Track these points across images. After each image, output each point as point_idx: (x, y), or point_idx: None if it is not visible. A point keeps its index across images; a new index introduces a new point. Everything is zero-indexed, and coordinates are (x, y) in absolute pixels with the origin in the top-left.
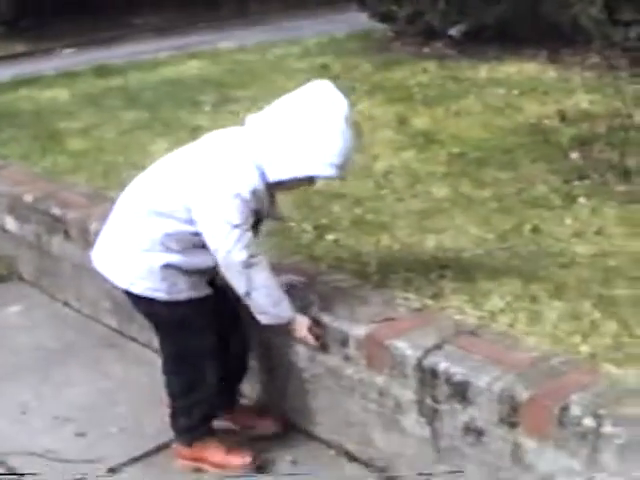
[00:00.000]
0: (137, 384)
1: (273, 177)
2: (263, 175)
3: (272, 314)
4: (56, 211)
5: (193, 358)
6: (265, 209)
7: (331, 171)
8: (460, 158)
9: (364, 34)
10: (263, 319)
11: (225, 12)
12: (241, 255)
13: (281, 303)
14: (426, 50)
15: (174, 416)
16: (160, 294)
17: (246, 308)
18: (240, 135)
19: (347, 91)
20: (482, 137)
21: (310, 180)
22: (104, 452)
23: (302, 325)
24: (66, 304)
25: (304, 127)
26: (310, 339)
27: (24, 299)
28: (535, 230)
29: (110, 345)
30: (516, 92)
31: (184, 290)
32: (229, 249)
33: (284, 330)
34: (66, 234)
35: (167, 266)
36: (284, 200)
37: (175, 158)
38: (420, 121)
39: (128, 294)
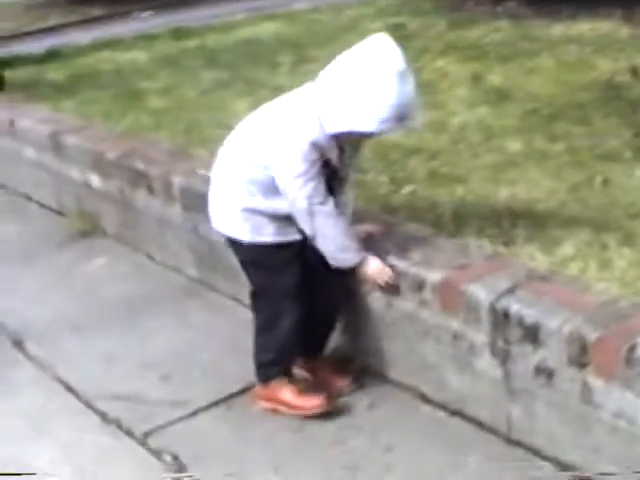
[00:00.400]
0: (219, 332)
1: (328, 130)
2: (323, 127)
3: (339, 259)
4: (140, 166)
5: (272, 297)
6: (335, 159)
7: (379, 126)
8: (533, 113)
9: None
10: (332, 262)
11: None
12: (303, 203)
13: (347, 249)
14: (499, 9)
15: (255, 352)
16: (243, 235)
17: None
18: (307, 91)
19: (421, 50)
20: (555, 93)
21: (369, 134)
22: (187, 396)
23: (372, 268)
24: (149, 256)
25: (355, 82)
26: (380, 281)
27: (108, 252)
28: (606, 182)
29: (192, 295)
30: (589, 50)
31: (270, 234)
32: (293, 197)
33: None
34: (149, 189)
35: (248, 209)
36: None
37: (256, 115)
38: (494, 78)
39: (224, 235)
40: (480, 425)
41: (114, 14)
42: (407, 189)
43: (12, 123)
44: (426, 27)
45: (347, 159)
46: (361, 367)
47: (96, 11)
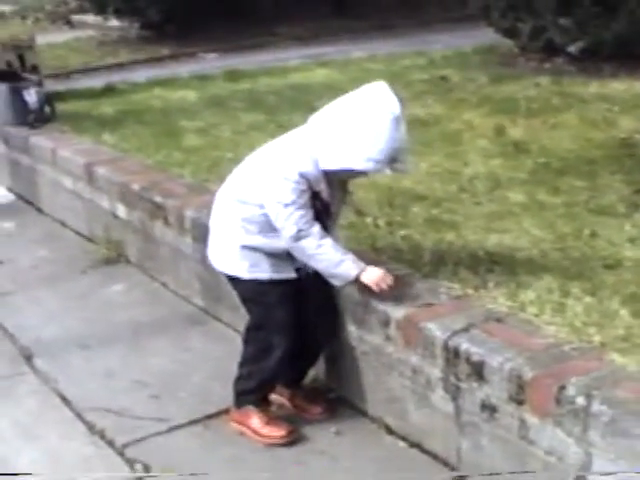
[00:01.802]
0: (214, 358)
1: (322, 166)
2: (317, 163)
3: (337, 276)
4: (158, 199)
5: (266, 331)
6: (326, 193)
7: (370, 166)
8: (544, 167)
9: (489, 48)
10: (335, 282)
11: (367, 25)
12: (291, 230)
13: (342, 263)
14: (547, 66)
15: (237, 379)
16: (241, 272)
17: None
18: (303, 130)
19: (457, 102)
20: (570, 148)
21: (360, 172)
22: (170, 413)
23: (372, 276)
24: (164, 285)
25: (351, 123)
26: (383, 286)
27: (127, 279)
28: (593, 234)
29: (196, 322)
30: (617, 108)
31: (266, 271)
32: (282, 225)
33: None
34: (165, 220)
35: (246, 247)
36: (367, 199)
37: (257, 153)
38: (516, 132)
39: (226, 276)
40: (435, 457)
41: (180, 54)
42: (401, 233)
43: (54, 152)
44: (468, 80)
45: (338, 196)
46: (335, 397)
47: (164, 50)
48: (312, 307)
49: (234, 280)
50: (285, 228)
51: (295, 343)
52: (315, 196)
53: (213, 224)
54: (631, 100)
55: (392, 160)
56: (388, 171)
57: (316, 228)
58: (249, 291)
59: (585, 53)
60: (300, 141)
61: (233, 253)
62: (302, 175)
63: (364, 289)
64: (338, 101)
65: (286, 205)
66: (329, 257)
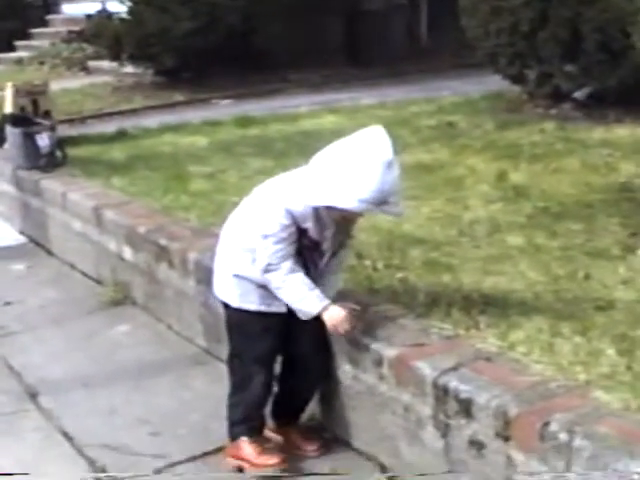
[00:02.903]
0: (214, 397)
1: (309, 203)
2: (305, 200)
3: (300, 309)
4: (163, 242)
5: (245, 361)
6: (317, 232)
7: (356, 205)
8: (542, 211)
9: (497, 95)
10: (299, 314)
11: (378, 72)
12: (262, 262)
13: (303, 300)
14: (553, 111)
15: (228, 410)
16: (232, 300)
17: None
18: (299, 170)
19: (462, 147)
20: (569, 193)
21: (349, 211)
22: (170, 450)
23: (332, 316)
24: (168, 326)
25: (342, 163)
26: (340, 329)
27: (133, 320)
28: (587, 277)
29: (198, 363)
30: (619, 154)
31: (254, 302)
32: (254, 256)
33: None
34: (170, 263)
35: (237, 276)
36: (367, 242)
37: (256, 190)
38: (517, 176)
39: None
40: None
41: (194, 100)
42: (398, 275)
43: (64, 196)
44: (475, 126)
45: (331, 235)
46: (330, 436)
47: (178, 96)
48: (305, 343)
49: (225, 306)
50: (257, 260)
51: (290, 381)
52: (302, 233)
53: (217, 254)
54: (633, 145)
55: (382, 202)
56: (377, 212)
57: (287, 264)
58: (236, 319)
59: (591, 99)
60: (292, 178)
61: (226, 280)
62: (288, 211)
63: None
64: (335, 144)
65: (265, 237)
66: (292, 292)
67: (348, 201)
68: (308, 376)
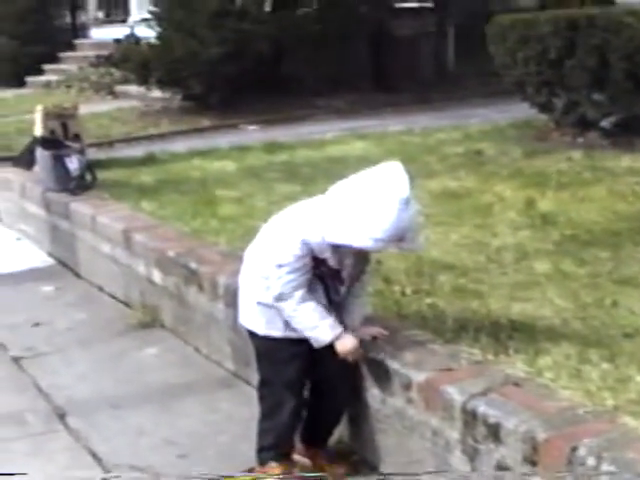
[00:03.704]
0: (241, 419)
1: (327, 239)
2: (322, 234)
3: (312, 337)
4: (193, 265)
5: (276, 388)
6: (334, 261)
7: (371, 244)
8: (570, 239)
9: (525, 123)
10: (312, 342)
11: (406, 99)
12: (274, 290)
13: (315, 329)
14: (580, 140)
15: (257, 436)
16: (259, 328)
17: None
18: (317, 200)
19: (489, 175)
20: (596, 220)
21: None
22: (198, 471)
23: (345, 344)
24: (196, 349)
25: (358, 201)
26: (350, 357)
27: (161, 343)
28: (614, 304)
29: (226, 386)
30: None
31: (280, 329)
32: (269, 285)
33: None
34: (199, 286)
35: (261, 303)
36: (395, 268)
37: (274, 219)
38: (545, 204)
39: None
40: None
41: (221, 125)
42: (427, 301)
43: (93, 219)
44: (502, 154)
45: (351, 264)
46: (358, 458)
47: (205, 121)
48: (330, 366)
49: (252, 335)
50: (270, 287)
51: (316, 404)
52: (322, 262)
53: (242, 292)
54: None
55: (398, 239)
56: (393, 249)
57: (299, 293)
58: (263, 347)
59: (617, 128)
60: (311, 210)
61: (252, 309)
62: (304, 243)
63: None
64: (354, 177)
65: (279, 266)
66: (304, 321)
67: (363, 240)
68: (335, 399)
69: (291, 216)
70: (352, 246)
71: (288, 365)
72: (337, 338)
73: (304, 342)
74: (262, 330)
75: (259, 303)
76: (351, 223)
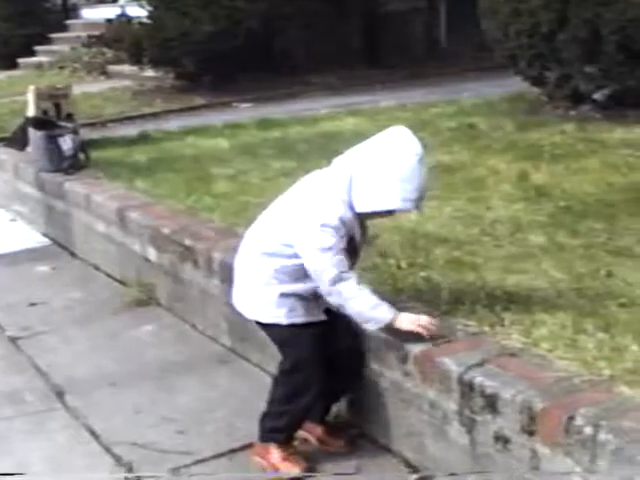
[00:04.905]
0: (239, 395)
1: (359, 209)
2: (351, 207)
3: (373, 319)
4: (187, 242)
5: (302, 373)
6: (358, 235)
7: (408, 205)
8: (564, 211)
9: (517, 97)
10: (369, 327)
11: (398, 74)
12: (330, 273)
13: (377, 307)
14: (572, 113)
15: (264, 417)
16: (280, 319)
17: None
18: (329, 175)
19: (483, 148)
20: (590, 192)
21: (390, 212)
22: (197, 447)
23: (406, 321)
24: (193, 326)
25: (382, 166)
26: (418, 330)
27: (157, 320)
28: (609, 275)
29: (223, 362)
30: (639, 153)
31: (302, 315)
32: (321, 270)
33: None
34: (194, 263)
35: (283, 295)
36: (390, 241)
37: (278, 202)
38: (539, 177)
39: (257, 323)
40: None
41: (214, 104)
42: (422, 274)
43: (88, 198)
44: (495, 127)
45: (361, 235)
46: (357, 432)
47: (199, 100)
48: (341, 347)
49: (270, 327)
50: (326, 271)
51: (324, 386)
52: (350, 239)
53: (240, 275)
54: None
55: (420, 198)
56: (414, 210)
57: (354, 272)
58: (286, 335)
59: (610, 100)
60: (330, 186)
61: (271, 302)
62: (341, 220)
63: (395, 332)
64: (363, 145)
65: (324, 250)
66: (365, 301)
67: (398, 202)
68: (342, 376)
69: (309, 199)
70: (389, 210)
71: (312, 349)
72: (397, 315)
73: (320, 325)
74: (286, 320)
75: (281, 294)
76: (381, 189)
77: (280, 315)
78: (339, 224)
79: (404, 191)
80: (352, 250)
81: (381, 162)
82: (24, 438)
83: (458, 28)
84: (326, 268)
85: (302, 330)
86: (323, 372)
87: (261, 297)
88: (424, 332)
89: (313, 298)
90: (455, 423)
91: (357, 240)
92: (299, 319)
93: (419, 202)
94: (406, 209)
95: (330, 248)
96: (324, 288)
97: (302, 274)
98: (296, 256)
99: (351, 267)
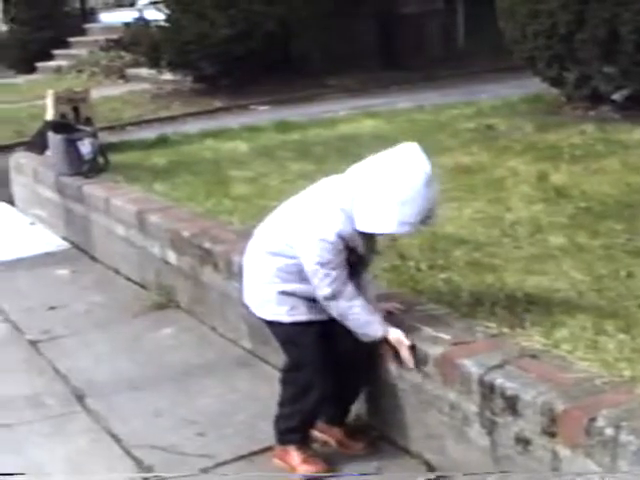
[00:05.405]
0: (259, 397)
1: (358, 228)
2: (352, 222)
3: (365, 333)
4: (207, 245)
5: (305, 372)
6: (362, 247)
7: (406, 228)
8: (584, 211)
9: (536, 97)
10: (362, 337)
11: (416, 76)
12: (325, 290)
13: (369, 324)
14: (592, 113)
15: (278, 419)
16: (281, 317)
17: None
18: (337, 184)
19: (502, 149)
20: (610, 193)
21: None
22: (217, 450)
23: (396, 335)
24: (213, 328)
25: (386, 188)
26: (403, 352)
27: (177, 323)
28: (629, 275)
29: (244, 364)
30: None
31: (304, 313)
32: (316, 284)
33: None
34: (214, 266)
35: (283, 293)
36: (410, 243)
37: (287, 205)
38: (558, 177)
39: (263, 320)
40: None
41: (232, 107)
42: (442, 275)
43: (107, 201)
44: (514, 129)
45: (370, 245)
46: (377, 434)
47: (217, 103)
48: (348, 346)
49: (273, 324)
50: (320, 288)
51: (334, 381)
52: (351, 251)
53: (247, 273)
54: None
55: (424, 220)
56: (419, 228)
57: (349, 288)
58: (288, 333)
59: (629, 100)
60: (335, 198)
61: (271, 299)
62: (339, 235)
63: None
64: (373, 160)
65: (322, 265)
66: (358, 318)
67: (395, 227)
68: (353, 375)
69: (313, 209)
70: (384, 233)
71: (315, 347)
72: (387, 332)
73: (324, 324)
74: (287, 318)
75: (281, 292)
76: (380, 211)
77: (281, 313)
78: (337, 240)
79: (402, 215)
80: (358, 260)
81: (383, 183)
82: (44, 441)
83: (476, 29)
84: (321, 285)
85: (305, 328)
86: (327, 370)
87: (262, 294)
88: (404, 355)
89: (315, 298)
90: (476, 425)
91: (360, 252)
92: (301, 317)
93: (425, 222)
94: (406, 232)
95: (326, 263)
96: (320, 300)
97: (305, 275)
98: (298, 258)
99: (356, 275)
